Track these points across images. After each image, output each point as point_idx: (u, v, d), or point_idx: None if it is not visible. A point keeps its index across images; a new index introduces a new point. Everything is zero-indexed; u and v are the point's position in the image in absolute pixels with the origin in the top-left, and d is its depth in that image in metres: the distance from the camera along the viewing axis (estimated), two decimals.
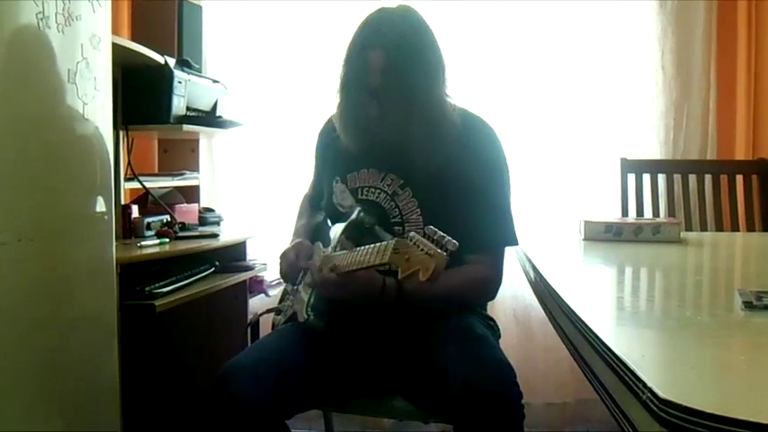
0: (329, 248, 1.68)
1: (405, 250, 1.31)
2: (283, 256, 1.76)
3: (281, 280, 1.86)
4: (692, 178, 2.94)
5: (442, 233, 1.27)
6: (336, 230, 1.71)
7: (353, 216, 1.69)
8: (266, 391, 1.51)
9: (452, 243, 1.26)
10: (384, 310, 1.61)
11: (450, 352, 1.52)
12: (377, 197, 1.73)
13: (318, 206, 1.93)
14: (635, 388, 0.75)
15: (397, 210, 1.70)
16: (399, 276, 1.31)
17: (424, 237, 1.29)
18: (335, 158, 1.81)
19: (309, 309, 1.67)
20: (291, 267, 1.74)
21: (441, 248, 1.25)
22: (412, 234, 1.31)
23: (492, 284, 1.74)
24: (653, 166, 2.96)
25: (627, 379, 0.78)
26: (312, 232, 1.91)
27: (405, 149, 1.65)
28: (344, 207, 1.77)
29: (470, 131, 1.72)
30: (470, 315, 1.73)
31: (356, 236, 1.62)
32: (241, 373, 1.53)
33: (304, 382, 1.62)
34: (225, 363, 1.57)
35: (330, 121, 1.82)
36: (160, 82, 2.47)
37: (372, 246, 1.44)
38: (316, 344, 1.67)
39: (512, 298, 2.94)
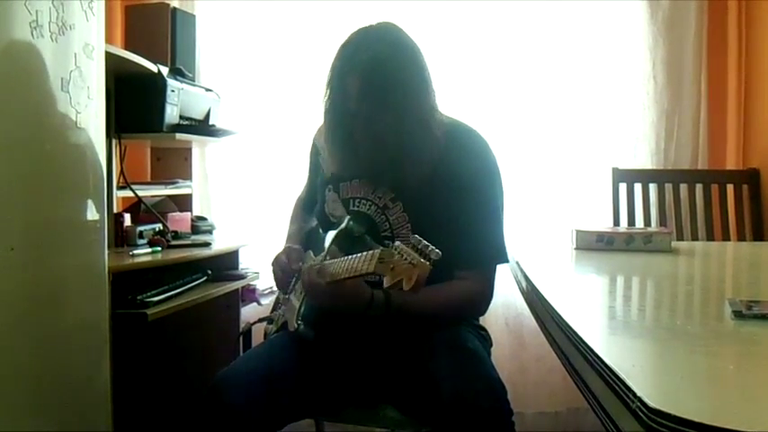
0: (319, 258, 1.68)
1: (390, 260, 1.30)
2: (275, 262, 1.77)
3: (275, 287, 1.86)
4: (683, 188, 2.96)
5: (426, 242, 1.26)
6: (328, 239, 1.72)
7: (343, 225, 1.69)
8: (258, 401, 1.51)
9: (435, 252, 1.25)
10: (374, 320, 1.61)
11: (441, 366, 1.52)
12: (368, 209, 1.72)
13: (311, 210, 1.93)
14: (625, 397, 0.75)
15: (387, 223, 1.70)
16: (384, 285, 1.30)
17: (409, 246, 1.28)
18: (328, 167, 1.81)
19: (300, 318, 1.67)
20: (285, 271, 1.74)
21: (424, 258, 1.25)
22: (397, 243, 1.30)
23: (481, 302, 1.73)
24: (644, 176, 2.98)
25: (617, 388, 0.78)
26: (305, 238, 1.91)
27: (395, 164, 1.64)
28: (336, 217, 1.77)
29: (462, 145, 1.71)
30: (462, 326, 1.73)
31: (345, 245, 1.62)
32: (233, 382, 1.53)
33: (296, 391, 1.61)
34: (217, 372, 1.57)
35: None
36: (153, 90, 2.46)
37: (359, 255, 1.44)
38: (307, 353, 1.67)
39: (503, 307, 2.94)
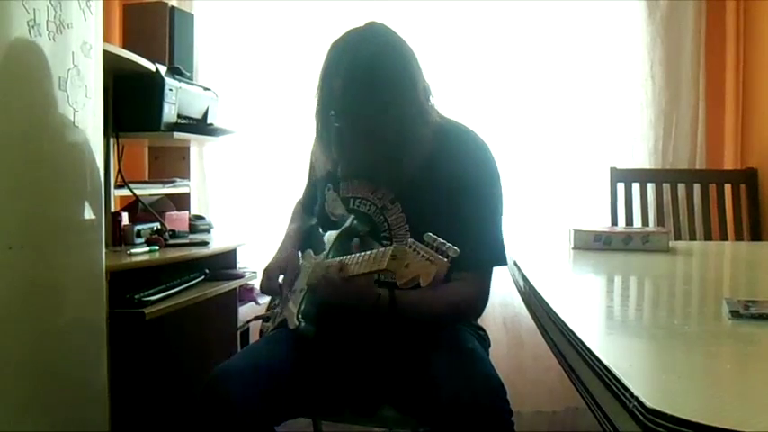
0: (321, 256, 1.68)
1: (403, 257, 1.30)
2: (266, 271, 1.78)
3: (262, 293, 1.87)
4: (681, 188, 2.96)
5: (442, 240, 1.27)
6: (330, 237, 1.72)
7: (347, 224, 1.70)
8: (255, 395, 1.51)
9: (453, 249, 1.25)
10: (374, 318, 1.61)
11: (440, 365, 1.52)
12: (368, 209, 1.72)
13: (311, 211, 1.93)
14: (622, 397, 0.75)
15: (386, 224, 1.70)
16: (398, 283, 1.30)
17: (423, 243, 1.29)
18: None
19: (300, 315, 1.68)
20: (272, 285, 1.76)
21: (441, 255, 1.25)
22: (410, 240, 1.31)
23: (478, 305, 1.72)
24: (642, 176, 2.98)
25: (614, 388, 0.78)
26: (304, 237, 1.91)
27: (385, 162, 1.65)
28: (335, 216, 1.77)
29: (461, 147, 1.70)
30: (461, 326, 1.74)
31: (349, 243, 1.62)
32: (231, 376, 1.54)
33: (293, 387, 1.61)
34: (215, 366, 1.57)
35: None
36: (151, 89, 2.46)
37: (369, 252, 1.44)
38: (306, 350, 1.67)
39: (501, 306, 2.94)
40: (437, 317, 1.65)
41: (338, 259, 1.58)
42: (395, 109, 1.59)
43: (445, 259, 1.24)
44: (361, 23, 1.69)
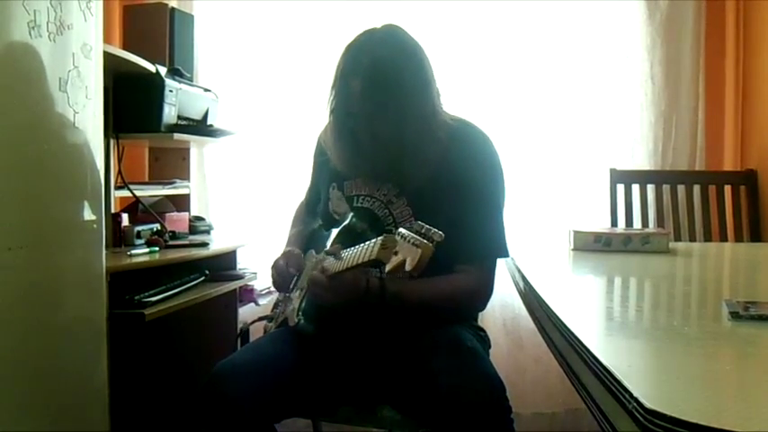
0: (321, 255, 1.69)
1: (392, 245, 1.34)
2: (274, 266, 1.78)
3: (274, 289, 1.87)
4: (681, 189, 2.96)
5: (428, 226, 1.30)
6: (331, 237, 1.73)
7: (346, 222, 1.72)
8: (256, 391, 1.52)
9: (438, 234, 1.29)
10: (373, 316, 1.62)
11: (440, 365, 1.52)
12: (371, 205, 1.74)
13: (314, 212, 1.94)
14: (621, 398, 0.75)
15: (390, 218, 1.72)
16: (387, 268, 1.33)
17: (412, 231, 1.31)
18: (333, 165, 1.82)
19: (300, 313, 1.68)
20: (282, 275, 1.75)
21: (427, 240, 1.28)
22: (400, 230, 1.34)
23: (479, 295, 1.74)
24: (642, 177, 2.98)
25: (614, 389, 0.78)
26: (306, 240, 1.91)
27: (399, 162, 1.66)
28: (339, 214, 1.79)
29: (466, 142, 1.73)
30: (461, 326, 1.73)
31: (348, 241, 1.63)
32: (232, 372, 1.55)
33: (294, 385, 1.62)
34: (216, 363, 1.58)
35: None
36: (151, 90, 2.46)
37: (361, 246, 1.46)
38: (306, 349, 1.68)
39: (501, 307, 2.94)
40: (437, 306, 1.66)
41: (329, 259, 1.59)
42: (414, 110, 1.62)
43: (430, 243, 1.27)
44: (375, 25, 1.70)
